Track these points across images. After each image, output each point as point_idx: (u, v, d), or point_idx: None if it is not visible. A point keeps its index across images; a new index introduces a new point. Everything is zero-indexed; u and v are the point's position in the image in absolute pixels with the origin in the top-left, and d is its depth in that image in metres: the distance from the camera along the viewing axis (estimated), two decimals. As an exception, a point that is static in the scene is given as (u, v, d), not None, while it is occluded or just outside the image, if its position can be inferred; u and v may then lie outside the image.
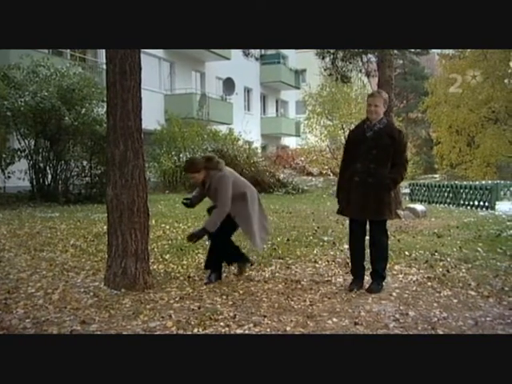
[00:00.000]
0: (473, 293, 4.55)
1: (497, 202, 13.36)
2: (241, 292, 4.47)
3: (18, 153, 12.39)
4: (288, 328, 3.53)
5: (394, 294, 4.49)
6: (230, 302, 4.14)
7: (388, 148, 4.44)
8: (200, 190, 4.96)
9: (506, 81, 25.78)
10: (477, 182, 16.55)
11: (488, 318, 3.82)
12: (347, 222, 4.89)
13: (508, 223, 9.69)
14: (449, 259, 6.00)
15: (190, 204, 5.00)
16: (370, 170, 4.44)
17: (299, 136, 31.37)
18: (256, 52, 13.16)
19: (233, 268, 5.37)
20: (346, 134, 5.04)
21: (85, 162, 12.99)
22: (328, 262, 5.83)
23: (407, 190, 16.74)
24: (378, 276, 4.62)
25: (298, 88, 31.55)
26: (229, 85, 24.55)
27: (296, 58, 32.03)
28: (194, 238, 4.73)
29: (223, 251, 4.92)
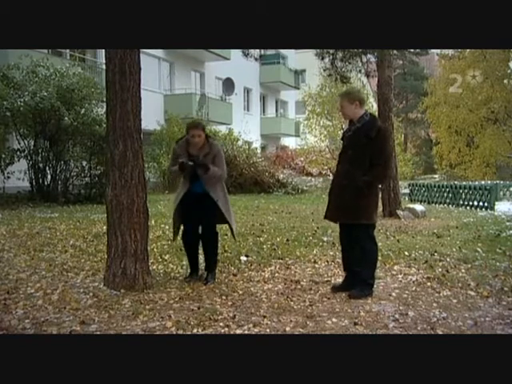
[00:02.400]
0: (472, 293, 4.55)
1: (496, 203, 13.35)
2: (240, 292, 4.47)
3: (18, 153, 12.40)
4: (287, 328, 3.53)
5: (394, 294, 4.49)
6: (230, 303, 4.14)
7: (364, 148, 4.21)
8: (182, 162, 4.65)
9: (505, 81, 25.84)
10: (476, 183, 16.55)
11: (487, 318, 3.82)
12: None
13: (507, 223, 9.70)
14: (448, 259, 6.01)
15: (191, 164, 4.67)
16: (345, 172, 4.31)
17: (299, 136, 31.39)
18: (255, 52, 13.12)
19: (232, 268, 5.38)
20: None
21: (84, 163, 13.00)
22: (327, 262, 5.83)
23: (407, 191, 16.73)
24: (361, 282, 4.35)
25: (297, 88, 31.57)
26: (228, 85, 24.56)
27: (295, 58, 32.03)
28: (183, 166, 4.56)
29: (216, 249, 5.00)
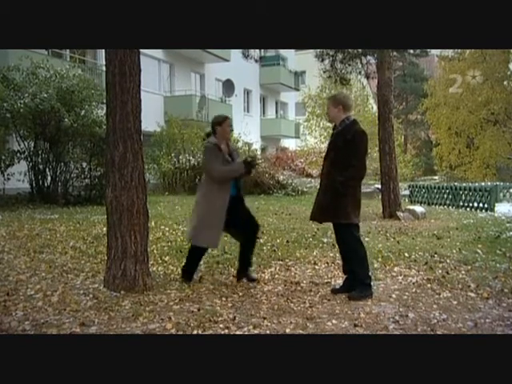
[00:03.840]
0: (472, 294, 4.55)
1: (496, 204, 13.34)
2: (240, 294, 4.47)
3: (18, 154, 12.38)
4: (287, 330, 3.52)
5: (394, 295, 4.49)
6: (230, 304, 4.14)
7: (342, 151, 4.36)
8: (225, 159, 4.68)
9: (505, 83, 25.83)
10: (476, 184, 16.53)
11: (487, 320, 3.82)
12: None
13: (507, 225, 9.68)
14: (448, 261, 6.00)
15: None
16: (327, 173, 4.48)
17: (299, 137, 31.41)
18: (255, 54, 13.09)
19: (232, 270, 5.37)
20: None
21: (84, 164, 12.98)
22: (327, 263, 5.83)
23: (407, 192, 16.72)
24: (359, 283, 4.42)
25: (297, 90, 31.58)
26: (228, 86, 24.55)
27: (295, 59, 32.05)
28: (253, 164, 4.71)
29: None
